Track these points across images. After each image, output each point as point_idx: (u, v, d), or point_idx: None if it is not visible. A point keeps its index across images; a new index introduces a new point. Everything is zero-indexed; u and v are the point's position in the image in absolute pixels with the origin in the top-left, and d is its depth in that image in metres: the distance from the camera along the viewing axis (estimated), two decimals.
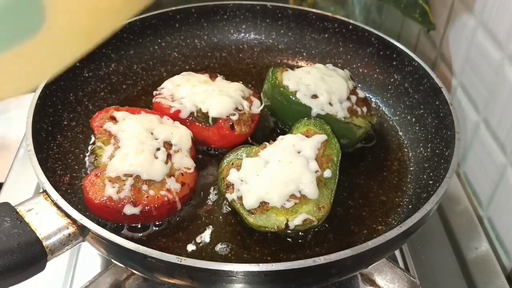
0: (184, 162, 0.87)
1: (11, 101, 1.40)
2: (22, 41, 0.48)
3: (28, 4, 0.47)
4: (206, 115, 0.95)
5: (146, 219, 0.83)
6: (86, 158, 0.96)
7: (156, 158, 0.84)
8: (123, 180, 0.81)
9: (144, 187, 0.82)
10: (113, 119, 0.92)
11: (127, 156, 0.83)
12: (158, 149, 0.86)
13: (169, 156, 0.86)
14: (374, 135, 1.04)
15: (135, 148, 0.84)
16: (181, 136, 0.90)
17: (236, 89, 1.00)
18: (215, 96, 0.96)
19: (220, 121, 0.94)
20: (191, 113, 0.95)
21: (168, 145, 0.88)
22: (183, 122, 0.95)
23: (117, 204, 0.80)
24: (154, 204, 0.81)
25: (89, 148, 0.97)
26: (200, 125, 0.95)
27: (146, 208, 0.81)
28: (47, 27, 0.50)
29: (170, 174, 0.84)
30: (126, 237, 0.71)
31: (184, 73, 1.06)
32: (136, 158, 0.83)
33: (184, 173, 0.86)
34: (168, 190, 0.83)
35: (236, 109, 0.96)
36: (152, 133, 0.89)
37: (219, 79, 1.04)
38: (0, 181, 1.10)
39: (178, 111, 0.95)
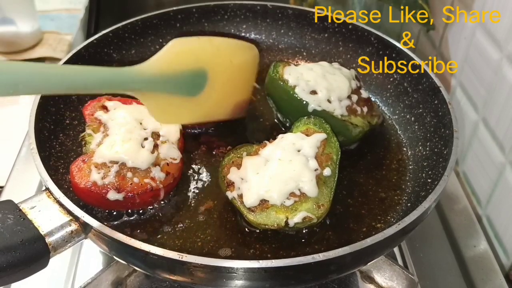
0: (171, 153, 0.88)
1: (12, 100, 1.41)
2: (190, 95, 0.86)
3: (200, 77, 0.87)
4: None
5: (130, 205, 0.85)
6: None
7: (143, 147, 0.86)
8: (109, 167, 0.83)
9: (129, 174, 0.83)
10: (104, 108, 0.94)
11: (114, 144, 0.85)
12: (146, 138, 0.87)
13: (156, 146, 0.88)
14: (373, 134, 1.04)
15: (123, 137, 0.86)
16: (170, 128, 0.92)
17: None
18: None
19: None
20: None
21: (156, 135, 0.90)
22: None
23: (101, 190, 0.81)
24: (138, 191, 0.83)
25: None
26: None
27: (129, 194, 0.82)
28: (203, 94, 0.88)
29: (155, 163, 0.86)
30: (128, 234, 0.72)
31: None
32: (123, 146, 0.84)
33: (170, 163, 0.87)
34: (152, 179, 0.84)
35: None
36: (141, 123, 0.90)
37: None
38: (1, 184, 1.11)
39: None
